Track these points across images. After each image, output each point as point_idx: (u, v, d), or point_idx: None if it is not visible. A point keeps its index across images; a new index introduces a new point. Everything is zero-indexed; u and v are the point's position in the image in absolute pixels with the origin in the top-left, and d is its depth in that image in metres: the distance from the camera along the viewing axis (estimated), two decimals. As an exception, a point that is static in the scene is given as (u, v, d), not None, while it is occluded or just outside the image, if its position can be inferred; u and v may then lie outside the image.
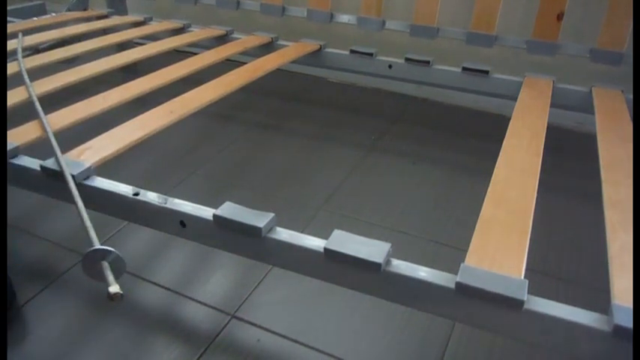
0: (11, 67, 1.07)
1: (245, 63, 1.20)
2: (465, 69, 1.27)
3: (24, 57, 1.20)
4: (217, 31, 1.46)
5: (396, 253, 0.60)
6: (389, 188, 1.20)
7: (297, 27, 1.62)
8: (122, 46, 1.37)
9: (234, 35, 1.47)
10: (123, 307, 0.86)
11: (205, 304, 0.87)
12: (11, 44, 1.24)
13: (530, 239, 0.62)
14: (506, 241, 0.62)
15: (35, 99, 0.90)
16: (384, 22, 1.41)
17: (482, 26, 1.30)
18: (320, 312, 0.86)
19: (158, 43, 1.32)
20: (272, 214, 0.64)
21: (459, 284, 0.54)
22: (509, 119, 0.96)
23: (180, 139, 1.38)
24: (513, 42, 1.30)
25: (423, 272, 0.57)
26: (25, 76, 1.04)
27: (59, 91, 0.99)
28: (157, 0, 1.80)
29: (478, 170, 1.27)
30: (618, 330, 0.49)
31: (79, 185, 0.71)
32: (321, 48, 1.40)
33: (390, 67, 1.34)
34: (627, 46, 1.18)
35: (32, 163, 0.75)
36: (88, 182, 0.72)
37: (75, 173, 0.70)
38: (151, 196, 0.70)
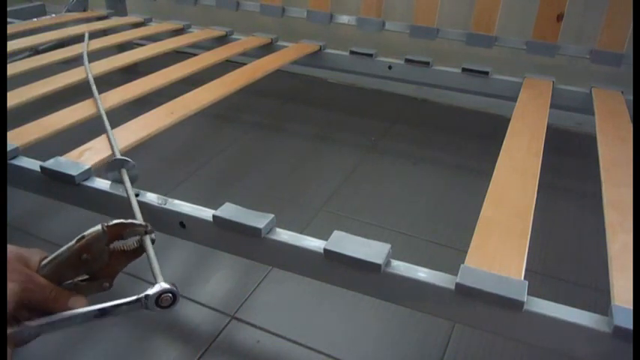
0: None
1: (245, 64, 1.20)
2: (464, 70, 1.26)
3: (23, 58, 1.21)
4: (217, 31, 1.46)
5: (396, 253, 0.60)
6: (389, 189, 1.20)
7: (297, 28, 1.62)
8: (122, 47, 1.37)
9: (234, 36, 1.47)
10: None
11: (205, 305, 0.87)
12: (11, 45, 1.24)
13: (530, 240, 0.62)
14: (506, 242, 0.62)
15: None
16: (383, 23, 1.41)
17: (482, 27, 1.30)
18: (320, 313, 0.86)
19: (158, 43, 1.32)
20: (272, 215, 0.64)
21: (458, 285, 0.54)
22: (509, 120, 0.96)
23: (181, 139, 1.38)
24: (513, 43, 1.30)
25: (422, 273, 0.57)
26: (86, 59, 1.07)
27: (59, 92, 0.99)
28: (156, 1, 1.80)
29: (478, 171, 1.27)
30: (618, 331, 0.49)
31: (78, 186, 0.71)
32: (320, 49, 1.40)
33: (389, 68, 1.34)
34: (627, 47, 1.18)
35: (32, 164, 0.75)
36: (88, 183, 0.72)
37: (75, 174, 0.70)
38: (151, 197, 0.70)
